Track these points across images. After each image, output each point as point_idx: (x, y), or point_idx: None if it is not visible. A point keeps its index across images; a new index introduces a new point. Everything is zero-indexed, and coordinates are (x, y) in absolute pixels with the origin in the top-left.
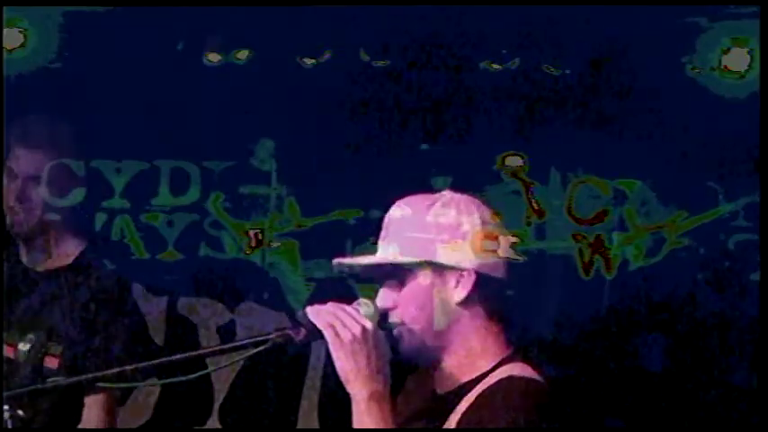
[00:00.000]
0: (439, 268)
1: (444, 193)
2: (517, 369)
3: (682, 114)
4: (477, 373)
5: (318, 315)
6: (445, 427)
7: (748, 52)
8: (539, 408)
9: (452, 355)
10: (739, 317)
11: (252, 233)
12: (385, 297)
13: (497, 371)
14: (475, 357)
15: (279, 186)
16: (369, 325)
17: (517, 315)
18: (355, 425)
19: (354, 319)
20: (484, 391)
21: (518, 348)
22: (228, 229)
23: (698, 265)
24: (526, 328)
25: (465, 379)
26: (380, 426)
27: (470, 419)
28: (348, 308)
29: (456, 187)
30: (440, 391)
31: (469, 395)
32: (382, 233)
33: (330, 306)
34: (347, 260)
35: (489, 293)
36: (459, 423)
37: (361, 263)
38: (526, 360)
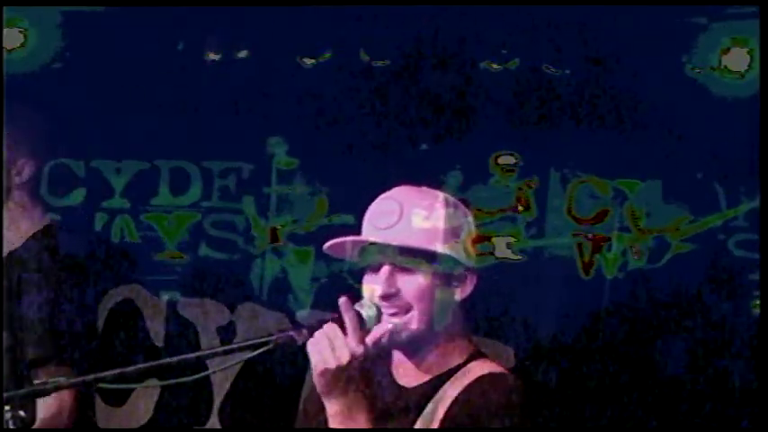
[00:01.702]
0: (448, 265)
1: (438, 192)
2: (489, 366)
3: (682, 114)
4: (448, 368)
5: (311, 341)
6: (421, 420)
7: (748, 52)
8: (521, 401)
9: (433, 350)
10: (739, 317)
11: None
12: (387, 284)
13: (469, 366)
14: (448, 350)
15: (278, 187)
16: (358, 352)
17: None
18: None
19: (345, 345)
20: (468, 388)
21: (478, 349)
22: (244, 228)
23: (698, 264)
24: (526, 330)
25: (435, 373)
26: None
27: (458, 415)
28: (341, 334)
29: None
30: (406, 383)
31: (446, 388)
32: (381, 221)
33: (325, 329)
34: (350, 238)
35: (477, 294)
36: (444, 418)
37: (376, 241)
38: (489, 359)
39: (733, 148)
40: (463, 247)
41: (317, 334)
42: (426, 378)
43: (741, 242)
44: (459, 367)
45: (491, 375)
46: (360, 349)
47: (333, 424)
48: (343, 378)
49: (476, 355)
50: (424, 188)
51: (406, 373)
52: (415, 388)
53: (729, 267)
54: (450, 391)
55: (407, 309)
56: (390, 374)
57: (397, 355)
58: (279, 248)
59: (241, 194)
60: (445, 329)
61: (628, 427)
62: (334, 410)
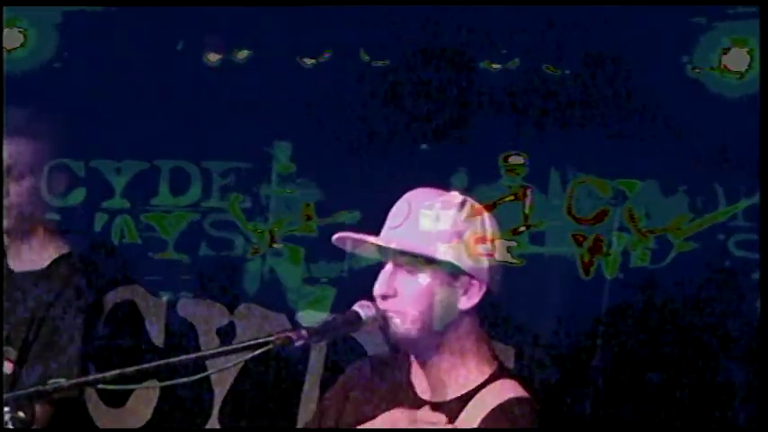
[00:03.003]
0: (448, 269)
1: (454, 193)
2: (511, 387)
3: (682, 114)
4: (473, 386)
5: None
6: None
7: (748, 52)
8: (539, 428)
9: (446, 358)
10: (739, 317)
11: (258, 233)
12: (386, 284)
13: (492, 386)
14: (468, 365)
15: (279, 187)
16: None
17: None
18: None
19: None
20: (492, 413)
21: (502, 363)
22: (240, 228)
23: (697, 265)
24: (526, 330)
25: (461, 390)
26: None
27: None
28: None
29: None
30: (429, 398)
31: (469, 410)
32: (391, 221)
33: None
34: (353, 235)
35: (487, 303)
36: None
37: (375, 242)
38: (512, 375)
39: (733, 147)
40: (472, 253)
41: None
42: (447, 396)
43: (741, 242)
44: (481, 386)
45: (514, 401)
46: None
47: None
48: None
49: (498, 373)
50: (452, 193)
51: (426, 385)
52: (435, 403)
53: (729, 267)
54: (471, 417)
55: (405, 310)
56: (409, 382)
57: (417, 367)
58: (278, 249)
59: (241, 195)
60: (457, 341)
61: (628, 427)
62: None
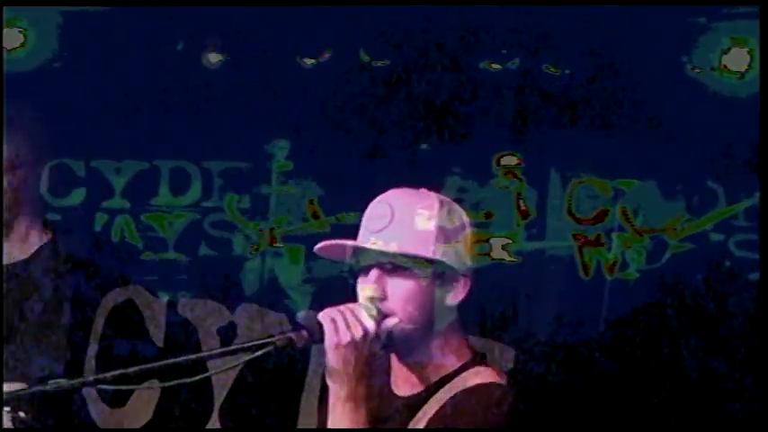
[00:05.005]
0: (441, 269)
1: (433, 194)
2: (484, 374)
3: (682, 114)
4: (443, 374)
5: (326, 313)
6: (411, 427)
7: (748, 52)
8: (508, 414)
9: (429, 353)
10: (739, 317)
11: (259, 232)
12: (377, 288)
13: (464, 374)
14: (444, 358)
15: (279, 186)
16: (371, 330)
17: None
18: (330, 420)
19: (359, 321)
20: (456, 395)
21: (478, 353)
22: (239, 228)
23: (697, 264)
24: (525, 329)
25: (431, 381)
26: (351, 426)
27: (442, 423)
28: (357, 309)
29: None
30: (402, 393)
31: (437, 396)
32: (374, 224)
33: (342, 306)
34: (350, 242)
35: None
36: (429, 425)
37: (373, 248)
38: (488, 364)
39: (733, 147)
40: (458, 250)
41: (331, 309)
42: (420, 388)
43: (741, 242)
44: (453, 375)
45: (476, 388)
46: (373, 327)
47: (334, 411)
48: (353, 356)
49: (472, 361)
50: (421, 190)
51: (402, 381)
52: (408, 397)
53: (729, 267)
54: (436, 403)
55: (400, 311)
56: (388, 383)
57: (395, 364)
58: (279, 249)
59: (241, 194)
60: (438, 334)
61: (627, 427)
62: (339, 395)
